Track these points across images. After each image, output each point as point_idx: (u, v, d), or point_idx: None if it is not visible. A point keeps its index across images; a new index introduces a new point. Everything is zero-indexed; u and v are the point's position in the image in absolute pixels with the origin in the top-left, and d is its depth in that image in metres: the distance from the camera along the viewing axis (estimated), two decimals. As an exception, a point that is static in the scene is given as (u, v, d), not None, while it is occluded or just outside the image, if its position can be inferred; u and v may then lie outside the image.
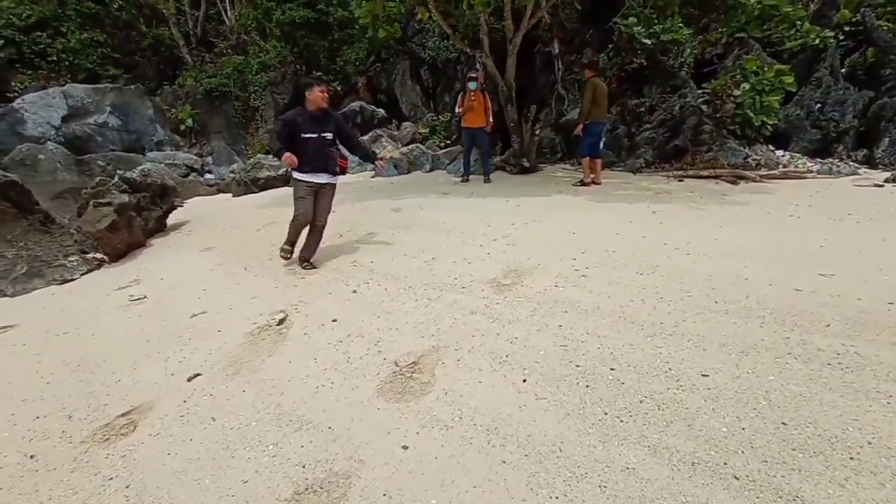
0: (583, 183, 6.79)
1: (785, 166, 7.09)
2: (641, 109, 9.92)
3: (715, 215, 4.55)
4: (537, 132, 7.65)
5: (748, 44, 9.11)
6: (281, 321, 2.98)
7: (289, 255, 4.09)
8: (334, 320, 2.90)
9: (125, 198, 5.05)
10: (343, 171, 4.07)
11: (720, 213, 4.62)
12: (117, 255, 4.93)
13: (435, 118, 13.46)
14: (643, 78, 10.56)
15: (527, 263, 3.48)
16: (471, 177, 7.54)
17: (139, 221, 5.17)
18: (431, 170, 8.81)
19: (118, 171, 5.57)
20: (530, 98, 11.48)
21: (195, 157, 10.02)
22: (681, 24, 9.85)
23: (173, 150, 10.43)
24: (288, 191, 7.59)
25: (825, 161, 7.32)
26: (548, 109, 11.20)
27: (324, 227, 4.13)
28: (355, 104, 10.95)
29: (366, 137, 9.85)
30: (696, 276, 2.94)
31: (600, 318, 2.52)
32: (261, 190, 8.21)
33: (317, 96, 3.66)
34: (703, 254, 3.36)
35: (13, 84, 9.93)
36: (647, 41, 10.02)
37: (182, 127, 10.71)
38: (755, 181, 6.43)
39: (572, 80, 11.08)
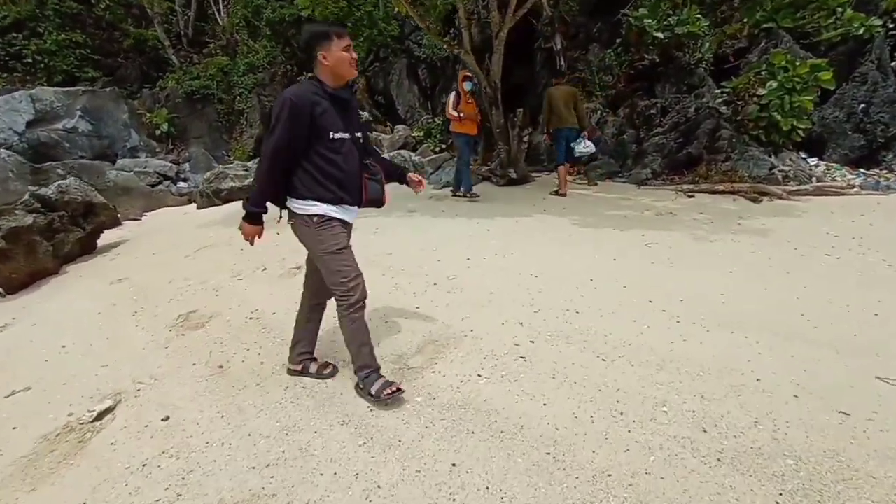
0: (558, 193, 6.10)
1: (819, 179, 5.95)
2: (652, 111, 8.84)
3: (725, 252, 3.55)
4: (525, 138, 6.70)
5: (777, 35, 7.92)
6: (101, 414, 2.18)
7: (309, 368, 2.31)
8: (165, 419, 2.09)
9: (28, 219, 4.38)
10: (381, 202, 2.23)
11: (732, 249, 3.62)
12: (15, 287, 4.26)
13: (430, 120, 12.62)
14: (655, 76, 9.46)
15: (457, 328, 2.59)
16: (442, 190, 6.67)
17: (46, 247, 4.49)
18: (412, 179, 7.94)
19: (30, 188, 4.91)
20: (530, 99, 10.51)
21: (169, 164, 9.46)
22: (698, 16, 8.73)
23: (148, 156, 9.90)
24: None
25: (870, 173, 6.14)
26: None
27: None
28: None
29: (346, 143, 9.08)
30: (684, 372, 2.01)
31: (518, 456, 1.61)
32: (224, 202, 7.52)
33: (340, 58, 1.85)
34: (699, 324, 2.41)
35: (-12, 87, 9.58)
36: (660, 35, 8.93)
37: (157, 132, 10.19)
38: (781, 198, 5.35)
39: (576, 78, 10.06)
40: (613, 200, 5.82)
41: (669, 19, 9.04)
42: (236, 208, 6.84)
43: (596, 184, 7.05)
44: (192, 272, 4.20)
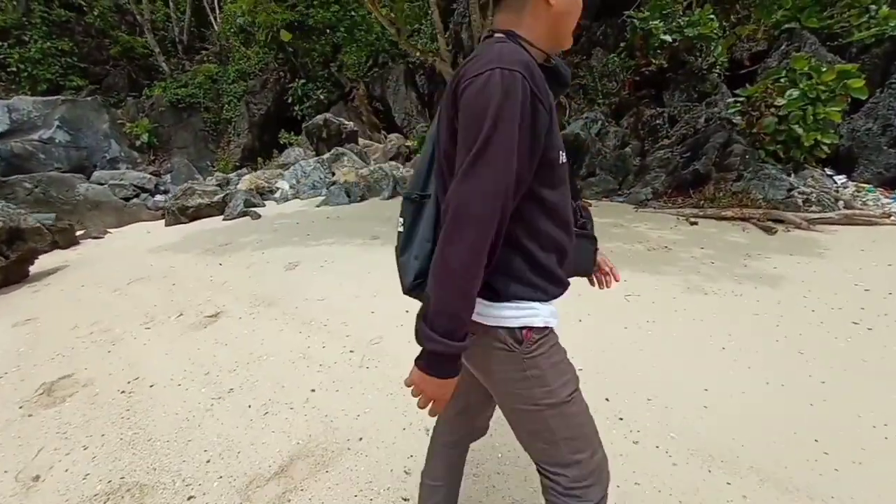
0: None
1: (847, 204, 5.12)
2: (659, 121, 8.07)
3: (721, 312, 2.83)
4: None
5: (800, 37, 7.08)
6: None
7: None
8: None
9: (-67, 251, 3.93)
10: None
11: (731, 308, 2.89)
12: (-87, 327, 3.80)
13: (426, 129, 12.06)
14: (663, 82, 8.68)
15: (343, 433, 1.96)
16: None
17: (-47, 280, 4.04)
18: (391, 196, 7.37)
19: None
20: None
21: (148, 177, 9.09)
22: (711, 16, 7.93)
23: (129, 167, 9.59)
24: (215, 227, 6.41)
25: (908, 197, 5.29)
26: (546, 120, 9.50)
27: None
28: (319, 117, 9.68)
29: (326, 156, 8.54)
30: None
31: None
32: (191, 220, 7.06)
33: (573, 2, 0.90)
34: (664, 450, 1.72)
35: (-31, 97, 9.40)
36: (668, 38, 8.16)
37: (137, 142, 9.87)
38: (800, 228, 4.56)
39: (577, 85, 9.34)
40: (604, 227, 5.09)
41: (679, 20, 8.26)
42: (198, 229, 6.37)
43: (589, 204, 6.33)
44: (104, 315, 3.68)
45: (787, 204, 5.10)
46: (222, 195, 7.35)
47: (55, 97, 9.45)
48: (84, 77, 10.62)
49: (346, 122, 9.66)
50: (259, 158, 10.41)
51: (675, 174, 6.59)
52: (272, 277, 4.08)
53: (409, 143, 12.19)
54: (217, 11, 14.00)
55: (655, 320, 2.75)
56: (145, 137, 9.90)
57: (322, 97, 12.51)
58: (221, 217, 6.87)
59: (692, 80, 8.24)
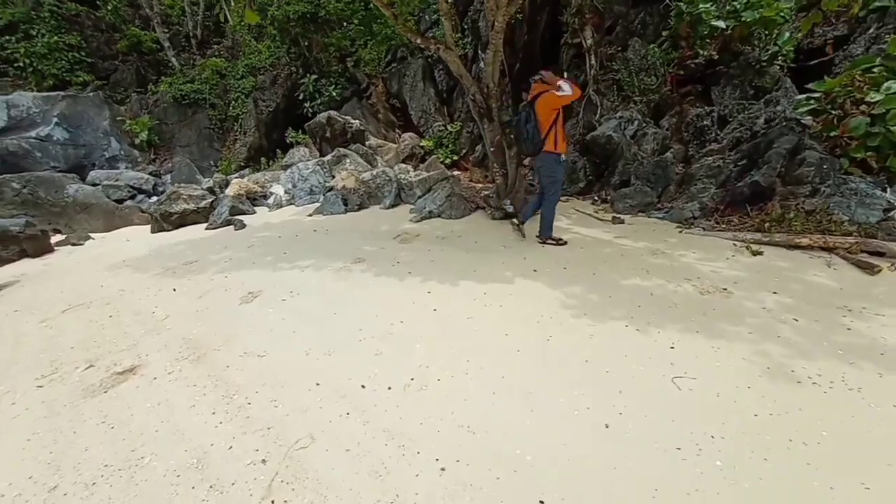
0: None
1: (968, 233, 3.92)
2: (706, 122, 6.91)
3: (834, 420, 1.83)
4: (526, 165, 5.07)
5: None
6: None
7: None
8: None
9: None
10: None
11: (848, 415, 1.88)
12: None
13: (443, 127, 11.20)
14: (712, 77, 7.49)
15: None
16: (436, 219, 5.16)
17: None
18: (394, 205, 6.54)
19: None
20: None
21: (146, 177, 8.62)
22: (775, -5, 6.69)
23: (129, 166, 9.18)
24: (192, 238, 5.66)
25: None
26: (574, 120, 8.46)
27: None
28: (322, 115, 8.94)
29: (327, 157, 7.79)
30: None
31: None
32: (175, 227, 6.45)
33: None
34: None
35: (-25, 93, 9.19)
36: (721, 24, 6.97)
37: (136, 140, 9.45)
38: (911, 267, 3.43)
39: (610, 80, 8.24)
40: (639, 255, 4.09)
41: (734, 3, 7.06)
42: (173, 240, 5.72)
43: (622, 221, 5.30)
44: (3, 358, 2.99)
45: (886, 229, 3.95)
46: (210, 200, 6.71)
47: (55, 93, 9.13)
48: (91, 72, 10.33)
49: (352, 121, 8.90)
50: (263, 158, 9.83)
51: (728, 186, 5.47)
52: (220, 315, 3.31)
53: (423, 143, 11.35)
54: (232, 4, 13.54)
55: (724, 436, 1.78)
56: (144, 135, 9.46)
57: (334, 94, 11.82)
58: (206, 225, 6.21)
59: (747, 74, 7.02)
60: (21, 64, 9.65)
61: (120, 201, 8.00)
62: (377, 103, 13.65)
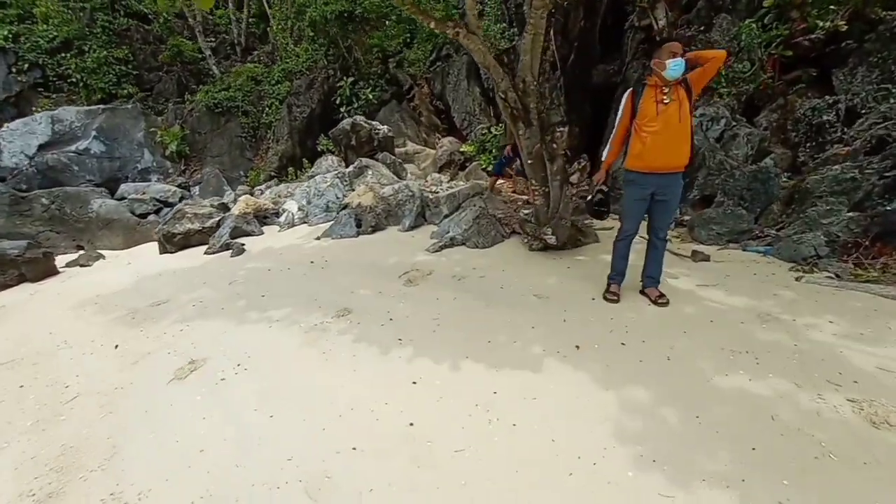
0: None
1: None
2: (826, 117, 5.21)
3: None
4: (576, 180, 3.74)
5: None
6: None
7: None
8: None
9: None
10: None
11: None
12: None
13: (486, 130, 10.07)
14: (834, 57, 5.70)
15: None
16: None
17: None
18: (414, 226, 5.54)
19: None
20: (613, 104, 7.31)
21: (174, 189, 8.39)
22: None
23: (160, 178, 9.04)
24: (182, 266, 4.93)
25: None
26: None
27: None
28: (346, 121, 8.14)
29: (348, 169, 6.97)
30: None
31: None
32: (179, 248, 5.93)
33: None
34: None
35: (34, 109, 9.54)
36: (850, -16, 5.24)
37: (166, 151, 9.29)
38: None
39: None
40: (737, 321, 2.74)
41: (871, -45, 5.25)
42: (161, 268, 5.12)
43: (706, 257, 3.88)
44: None
45: None
46: (218, 219, 6.13)
47: (97, 107, 9.21)
48: (137, 85, 10.46)
49: (380, 126, 8.02)
50: (291, 168, 9.28)
51: (870, 208, 3.84)
52: (135, 400, 2.47)
53: (464, 147, 10.27)
54: (278, 9, 13.34)
55: None
56: (174, 146, 9.28)
57: (371, 97, 11.10)
58: (206, 248, 5.61)
59: (892, 49, 5.18)
60: (74, 79, 9.90)
61: (145, 215, 7.75)
62: (420, 105, 12.79)
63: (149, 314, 3.66)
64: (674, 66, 2.63)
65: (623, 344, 2.60)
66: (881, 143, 4.60)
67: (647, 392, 2.16)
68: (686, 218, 4.94)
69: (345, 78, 11.32)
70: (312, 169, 8.63)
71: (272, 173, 9.71)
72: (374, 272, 4.14)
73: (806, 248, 3.72)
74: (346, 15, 11.09)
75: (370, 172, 6.66)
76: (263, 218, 6.45)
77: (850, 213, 3.92)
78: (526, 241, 4.45)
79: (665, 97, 2.70)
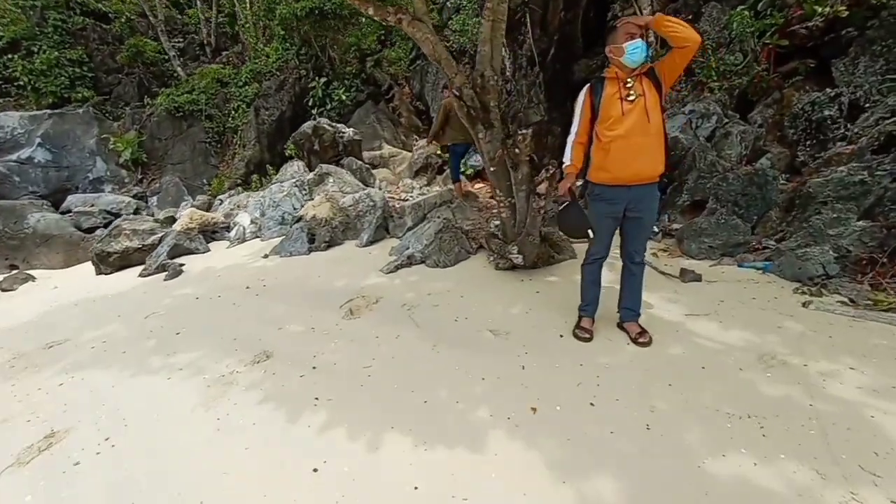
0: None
1: None
2: (829, 112, 4.70)
3: None
4: (542, 186, 3.17)
5: None
6: None
7: None
8: None
9: None
10: None
11: None
12: None
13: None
14: (832, 47, 5.21)
15: None
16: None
17: None
18: (373, 241, 4.97)
19: None
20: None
21: (127, 200, 7.76)
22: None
23: (115, 188, 8.41)
24: (106, 293, 4.33)
25: None
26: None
27: None
28: (307, 124, 7.52)
29: (309, 176, 6.37)
30: None
31: None
32: (115, 270, 5.31)
33: None
34: None
35: (-24, 115, 8.84)
36: (852, -37, 4.75)
37: (120, 159, 8.63)
38: None
39: (676, 60, 6.11)
40: (736, 369, 2.20)
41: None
42: (77, 296, 4.49)
43: (697, 277, 3.32)
44: None
45: None
46: (160, 235, 5.51)
47: (43, 112, 8.54)
48: (94, 88, 9.80)
49: (345, 129, 7.42)
50: (255, 176, 8.67)
51: (882, 215, 3.32)
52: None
53: (440, 150, 9.69)
54: (248, 8, 12.70)
55: None
56: (128, 154, 8.62)
57: (345, 97, 10.50)
58: (142, 269, 5.00)
59: (894, 34, 4.68)
60: (21, 82, 9.22)
61: (92, 230, 7.10)
62: (400, 106, 12.23)
63: (34, 360, 3.06)
64: (632, 50, 2.09)
65: (592, 405, 2.05)
66: (890, 140, 4.09)
67: (616, 485, 1.60)
68: (675, 227, 4.40)
69: (317, 78, 10.71)
70: (277, 176, 8.02)
71: (238, 181, 9.08)
72: (314, 300, 3.56)
73: (812, 265, 3.18)
74: (317, 12, 10.48)
75: (331, 180, 6.07)
76: (212, 233, 5.85)
77: (862, 223, 3.39)
78: (491, 259, 3.89)
79: (630, 92, 2.14)
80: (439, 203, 5.21)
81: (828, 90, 4.76)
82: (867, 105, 4.72)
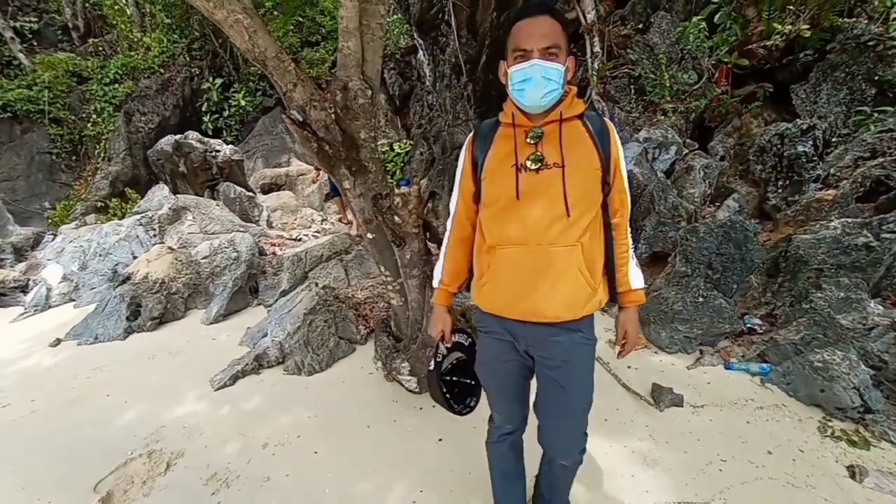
0: None
1: None
2: (800, 149, 3.91)
3: None
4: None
5: None
6: None
7: None
8: None
9: None
10: None
11: None
12: None
13: (387, 147, 8.24)
14: (791, 69, 4.55)
15: None
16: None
17: None
18: (226, 314, 3.48)
19: None
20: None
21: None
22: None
23: None
24: None
25: None
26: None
27: None
28: (165, 139, 5.75)
29: (162, 211, 4.70)
30: None
31: None
32: None
33: None
34: None
35: None
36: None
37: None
38: None
39: (625, 78, 5.20)
40: None
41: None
42: None
43: (677, 400, 2.22)
44: None
45: None
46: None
47: None
48: None
49: (220, 146, 5.78)
50: (114, 200, 6.73)
51: (894, 293, 2.43)
52: None
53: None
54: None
55: None
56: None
57: (245, 103, 8.78)
58: None
59: (860, 60, 4.01)
60: None
61: None
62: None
63: None
64: (520, 81, 1.06)
65: None
66: (876, 187, 3.35)
67: None
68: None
69: (212, 79, 8.88)
70: (141, 203, 6.18)
71: (98, 203, 7.07)
72: (66, 461, 2.04)
73: (842, 388, 2.17)
74: (209, -2, 8.67)
75: (190, 217, 4.47)
76: (0, 295, 4.03)
77: (879, 303, 2.49)
78: (379, 364, 2.58)
79: (532, 153, 1.03)
80: (328, 255, 3.82)
81: (798, 122, 3.98)
82: (833, 139, 4.03)
